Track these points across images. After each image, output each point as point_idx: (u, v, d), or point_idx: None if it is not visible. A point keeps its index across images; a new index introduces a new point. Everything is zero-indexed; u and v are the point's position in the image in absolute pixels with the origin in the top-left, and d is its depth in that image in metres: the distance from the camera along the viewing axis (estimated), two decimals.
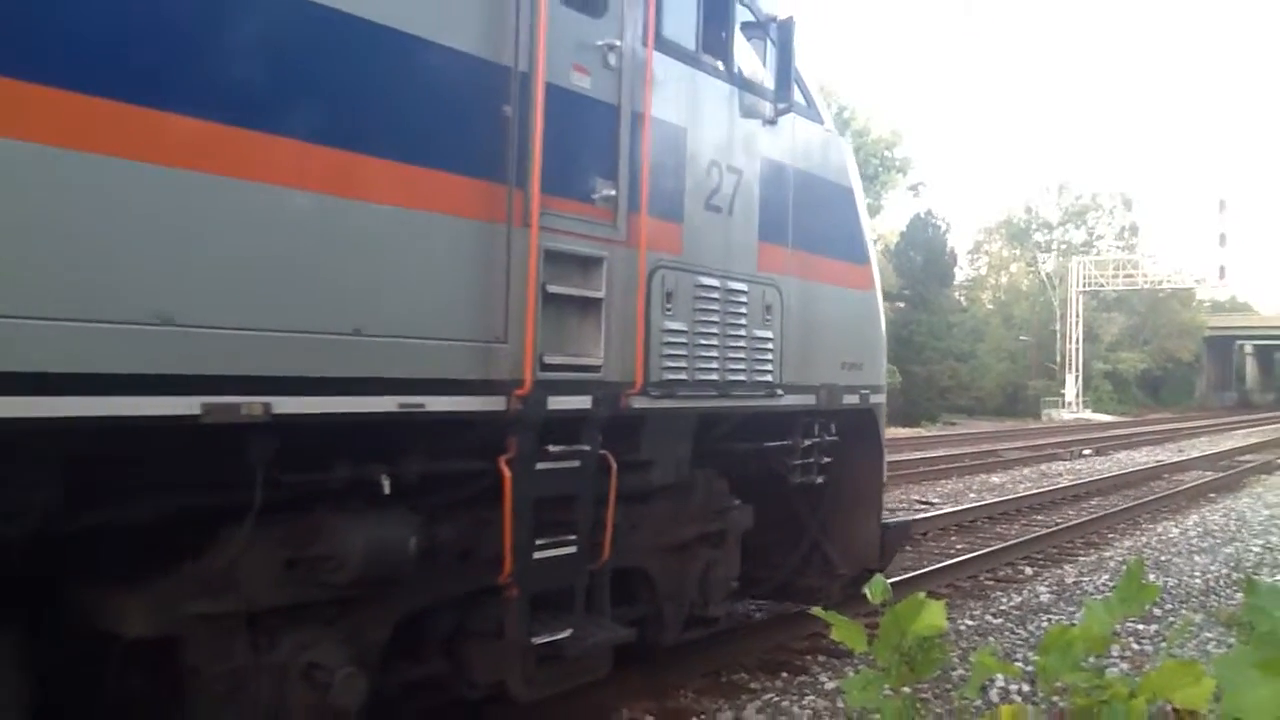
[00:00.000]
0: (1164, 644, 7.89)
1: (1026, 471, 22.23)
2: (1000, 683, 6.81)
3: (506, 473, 4.73)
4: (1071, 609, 9.14)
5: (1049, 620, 8.60)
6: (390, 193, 4.22)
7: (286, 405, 3.82)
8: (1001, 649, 7.91)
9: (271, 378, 3.78)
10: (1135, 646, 8.03)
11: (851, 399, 7.46)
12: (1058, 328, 64.21)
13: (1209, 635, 8.28)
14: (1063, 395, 59.98)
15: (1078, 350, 61.65)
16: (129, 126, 3.37)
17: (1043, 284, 69.66)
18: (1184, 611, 9.33)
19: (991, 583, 10.57)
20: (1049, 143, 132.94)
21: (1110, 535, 13.99)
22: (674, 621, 6.45)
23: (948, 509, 14.98)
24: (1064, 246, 74.15)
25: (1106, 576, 10.73)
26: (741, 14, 6.38)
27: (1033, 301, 69.31)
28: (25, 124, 3.14)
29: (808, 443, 7.18)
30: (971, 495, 17.40)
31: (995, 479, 20.39)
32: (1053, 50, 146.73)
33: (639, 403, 5.49)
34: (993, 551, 11.64)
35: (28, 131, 3.14)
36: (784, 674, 7.14)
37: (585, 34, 5.14)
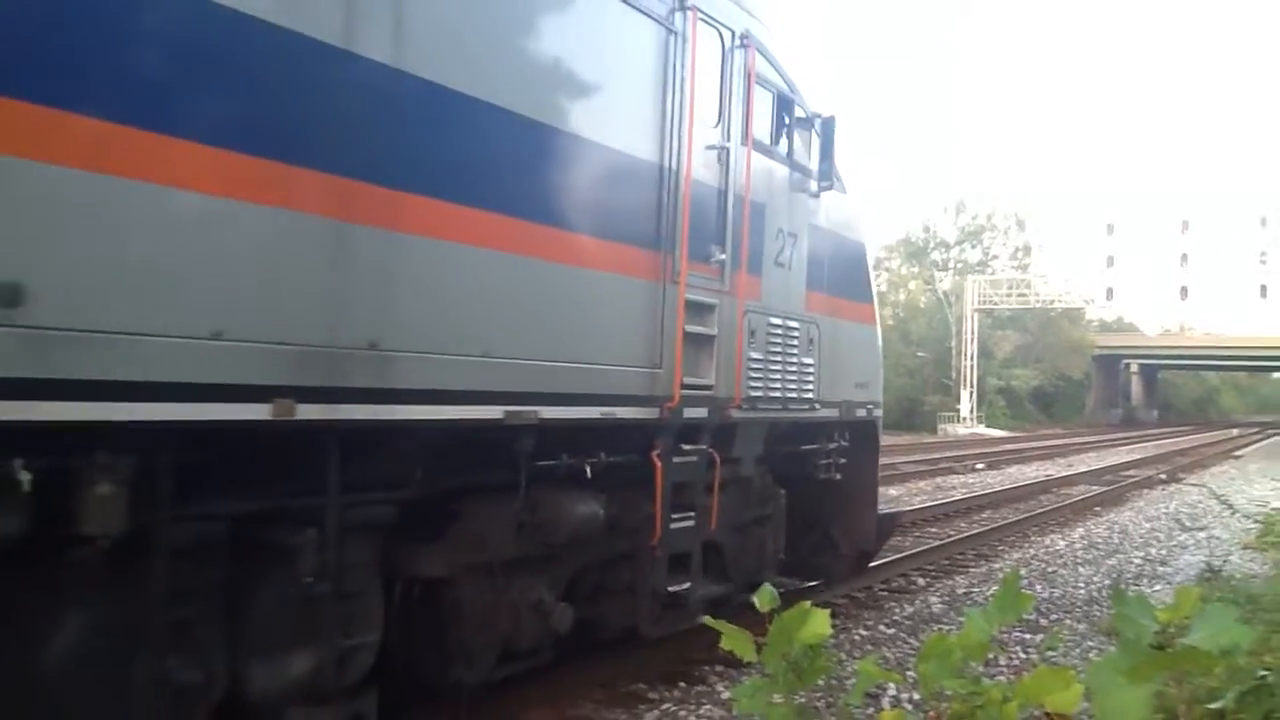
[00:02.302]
0: (1044, 651, 8.14)
1: (922, 484, 22.69)
2: (892, 691, 6.96)
3: (658, 464, 6.41)
4: (962, 619, 9.33)
5: (940, 629, 8.79)
6: (604, 262, 5.99)
7: (547, 413, 5.49)
8: (893, 658, 8.09)
9: (523, 393, 5.34)
10: (1022, 655, 8.27)
11: (861, 412, 9.29)
12: (953, 344, 65.74)
13: (1091, 644, 8.57)
14: (958, 410, 61.39)
15: (973, 367, 63.22)
16: (523, 234, 5.34)
17: (939, 302, 71.28)
18: (1067, 621, 9.64)
19: (885, 593, 10.78)
20: (946, 162, 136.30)
21: (1000, 547, 14.38)
22: (740, 585, 7.60)
23: None
24: (960, 265, 76.05)
25: (995, 587, 10.99)
26: (796, 111, 8.20)
27: (930, 319, 70.82)
28: (495, 240, 5.18)
29: (831, 446, 8.92)
30: None
31: (892, 491, 20.75)
32: (949, 71, 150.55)
33: (736, 414, 7.22)
34: (887, 563, 11.84)
35: (501, 245, 5.21)
36: (681, 684, 7.19)
37: (708, 138, 6.88)
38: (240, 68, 4.00)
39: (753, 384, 7.34)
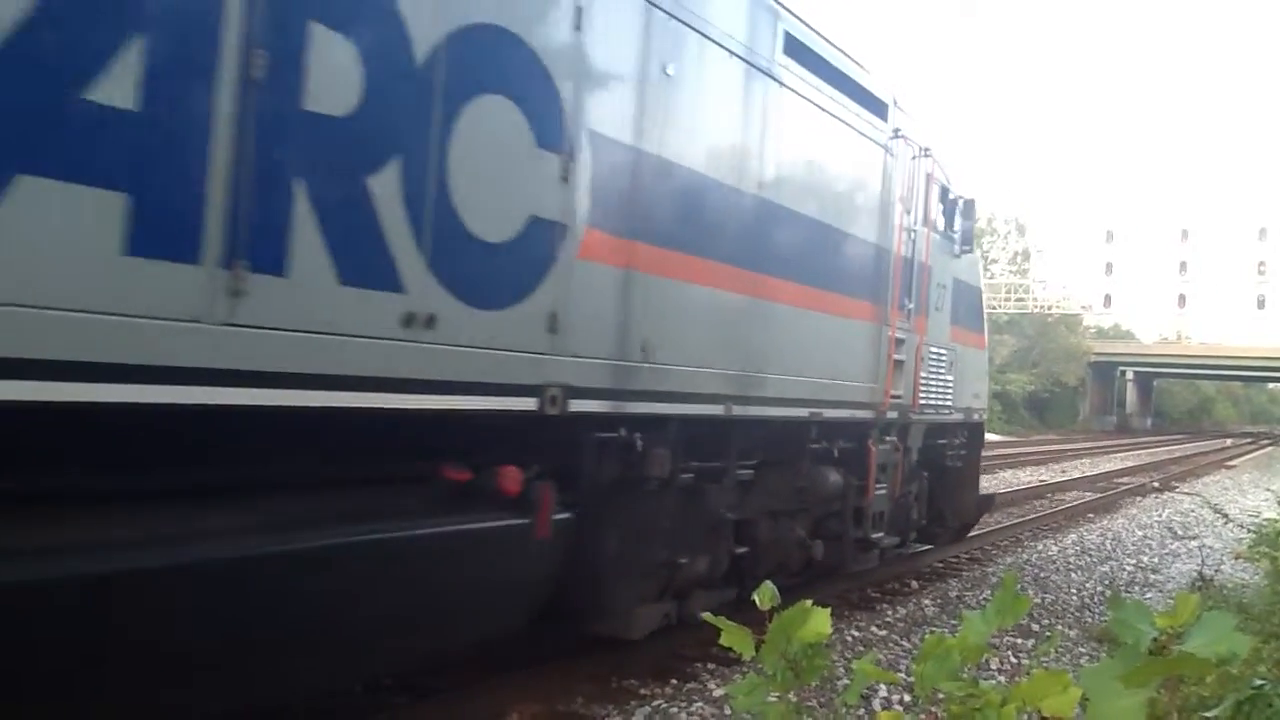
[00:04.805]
0: (1038, 656, 8.14)
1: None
2: (883, 692, 6.97)
3: (872, 449, 9.34)
4: (954, 622, 9.37)
5: (933, 632, 8.82)
6: (854, 313, 8.86)
7: (827, 414, 8.39)
8: (886, 659, 8.10)
9: (816, 400, 8.19)
10: (1014, 660, 8.29)
11: (976, 416, 12.64)
12: None
13: (1082, 650, 8.59)
14: None
15: None
16: (820, 299, 8.29)
17: None
18: (1059, 627, 9.65)
19: (878, 595, 10.78)
20: (946, 165, 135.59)
21: (993, 552, 14.39)
22: (890, 542, 10.23)
23: None
24: None
25: (989, 591, 11.03)
26: (950, 195, 11.30)
27: None
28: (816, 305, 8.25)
29: (957, 441, 12.13)
30: None
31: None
32: (949, 76, 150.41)
33: (913, 416, 10.31)
34: (879, 565, 11.83)
35: (823, 308, 8.38)
36: (674, 680, 7.17)
37: (905, 223, 9.87)
38: (758, 225, 7.37)
39: (922, 395, 10.37)
